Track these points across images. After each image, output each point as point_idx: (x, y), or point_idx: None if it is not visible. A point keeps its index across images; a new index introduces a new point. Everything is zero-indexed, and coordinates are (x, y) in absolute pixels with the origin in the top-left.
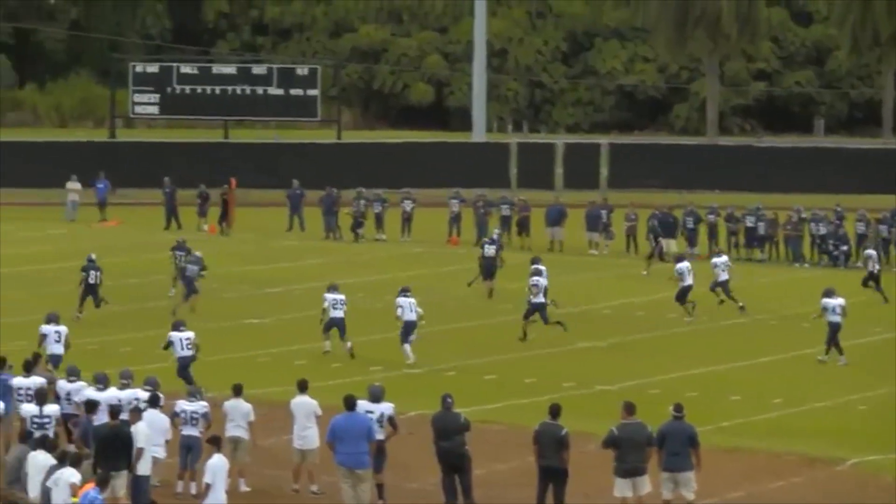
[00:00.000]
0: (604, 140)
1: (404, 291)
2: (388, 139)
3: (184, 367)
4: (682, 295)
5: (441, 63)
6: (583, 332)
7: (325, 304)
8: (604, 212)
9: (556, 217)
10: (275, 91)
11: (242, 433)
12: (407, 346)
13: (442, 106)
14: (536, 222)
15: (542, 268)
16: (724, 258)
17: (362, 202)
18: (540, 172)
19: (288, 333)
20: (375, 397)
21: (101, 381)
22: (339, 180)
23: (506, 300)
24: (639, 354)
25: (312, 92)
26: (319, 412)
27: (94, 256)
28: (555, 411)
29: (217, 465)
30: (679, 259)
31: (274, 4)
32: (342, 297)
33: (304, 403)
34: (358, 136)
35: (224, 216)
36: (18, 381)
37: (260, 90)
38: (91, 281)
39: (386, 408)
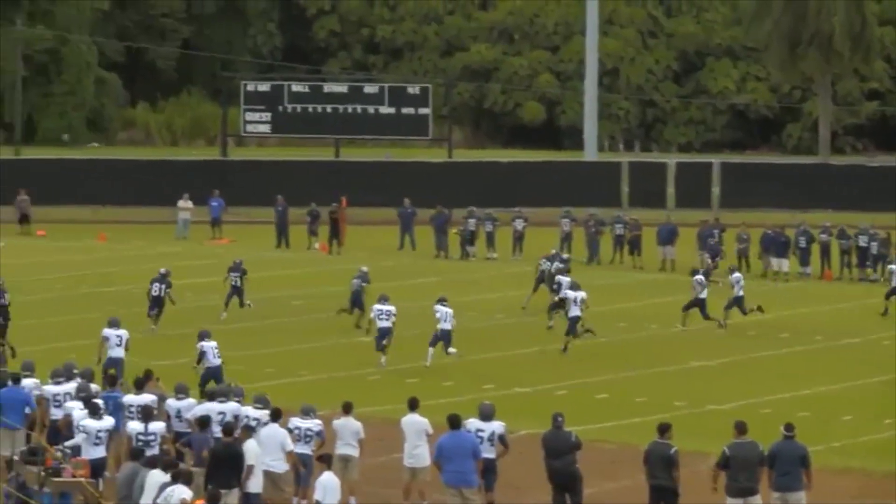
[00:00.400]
0: (715, 159)
1: (442, 300)
2: (499, 158)
3: (214, 376)
4: (690, 305)
5: (552, 82)
6: (694, 351)
7: (372, 315)
8: (716, 231)
9: (667, 236)
10: (386, 110)
11: (352, 451)
12: (431, 350)
13: (553, 125)
14: (648, 241)
15: (576, 283)
16: (739, 275)
17: (473, 221)
18: (651, 191)
19: (399, 351)
20: (486, 416)
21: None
22: (450, 199)
23: (621, 319)
24: (750, 374)
25: (424, 111)
26: (430, 430)
27: (165, 271)
28: (664, 430)
29: (328, 483)
30: (695, 272)
31: (386, 23)
32: (392, 308)
33: (414, 422)
34: (469, 154)
35: (335, 235)
36: (129, 398)
37: (371, 109)
38: (154, 293)
39: (497, 426)
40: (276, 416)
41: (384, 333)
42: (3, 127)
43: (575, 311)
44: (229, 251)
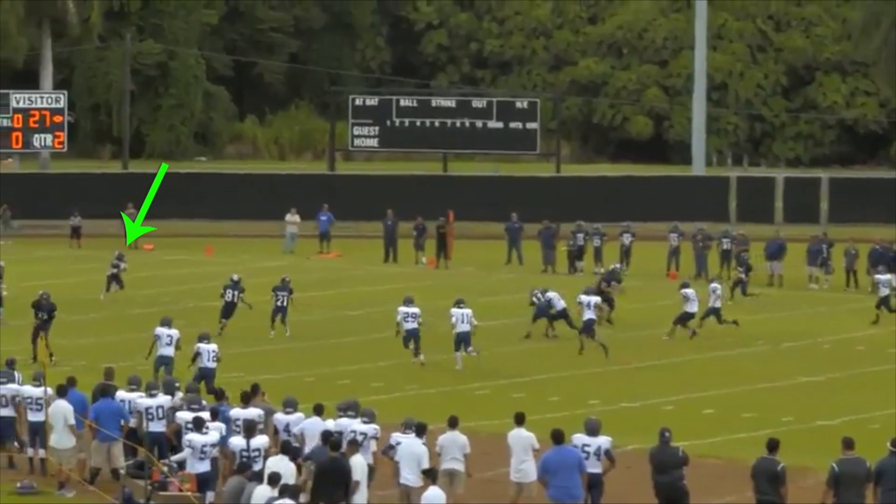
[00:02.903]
0: (824, 174)
1: (459, 303)
2: (607, 173)
3: (206, 377)
4: (683, 319)
5: (661, 96)
6: (803, 366)
7: (398, 318)
8: (824, 246)
9: (775, 251)
10: (494, 124)
11: (458, 466)
12: (458, 355)
13: (661, 139)
14: (756, 256)
15: (590, 289)
16: (716, 285)
17: (581, 235)
18: (759, 206)
19: (506, 366)
20: (593, 431)
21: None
22: (558, 214)
23: (728, 334)
24: (859, 389)
25: (532, 125)
26: (537, 445)
27: (237, 277)
28: (772, 446)
29: (433, 498)
30: (684, 285)
31: (494, 38)
32: (416, 310)
33: (521, 436)
34: (577, 169)
35: (442, 249)
36: (236, 412)
37: (479, 123)
38: (228, 299)
39: (603, 441)
40: (419, 431)
41: (411, 335)
42: (112, 141)
43: (589, 314)
44: (336, 266)
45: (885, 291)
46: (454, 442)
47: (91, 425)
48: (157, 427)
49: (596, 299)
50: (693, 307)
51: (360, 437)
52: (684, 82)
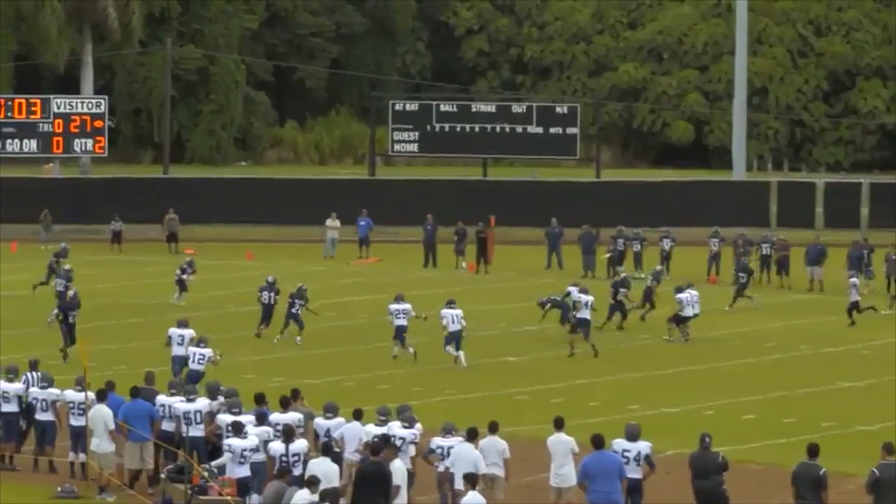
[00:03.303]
0: (865, 179)
1: (450, 303)
2: (647, 178)
3: (193, 380)
4: (680, 319)
5: (701, 101)
6: (843, 371)
7: (390, 315)
8: (865, 251)
9: (815, 256)
10: (534, 129)
11: (498, 471)
12: (460, 353)
13: (702, 144)
14: (796, 261)
15: (586, 289)
16: (693, 293)
17: (621, 241)
18: (800, 211)
19: (545, 371)
20: (632, 436)
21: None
22: (598, 219)
23: (768, 339)
24: None
25: (572, 130)
26: (577, 450)
27: (272, 279)
28: (813, 451)
29: (473, 503)
30: (679, 290)
31: (534, 43)
32: (407, 306)
33: (561, 441)
34: (617, 174)
35: (482, 254)
36: (275, 416)
37: (519, 128)
38: (265, 301)
39: (643, 446)
40: (471, 436)
41: (401, 331)
42: (152, 146)
43: (585, 314)
44: (376, 270)
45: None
46: (494, 447)
47: (122, 427)
48: (196, 431)
49: (591, 298)
50: (689, 311)
51: (399, 442)
52: (725, 87)
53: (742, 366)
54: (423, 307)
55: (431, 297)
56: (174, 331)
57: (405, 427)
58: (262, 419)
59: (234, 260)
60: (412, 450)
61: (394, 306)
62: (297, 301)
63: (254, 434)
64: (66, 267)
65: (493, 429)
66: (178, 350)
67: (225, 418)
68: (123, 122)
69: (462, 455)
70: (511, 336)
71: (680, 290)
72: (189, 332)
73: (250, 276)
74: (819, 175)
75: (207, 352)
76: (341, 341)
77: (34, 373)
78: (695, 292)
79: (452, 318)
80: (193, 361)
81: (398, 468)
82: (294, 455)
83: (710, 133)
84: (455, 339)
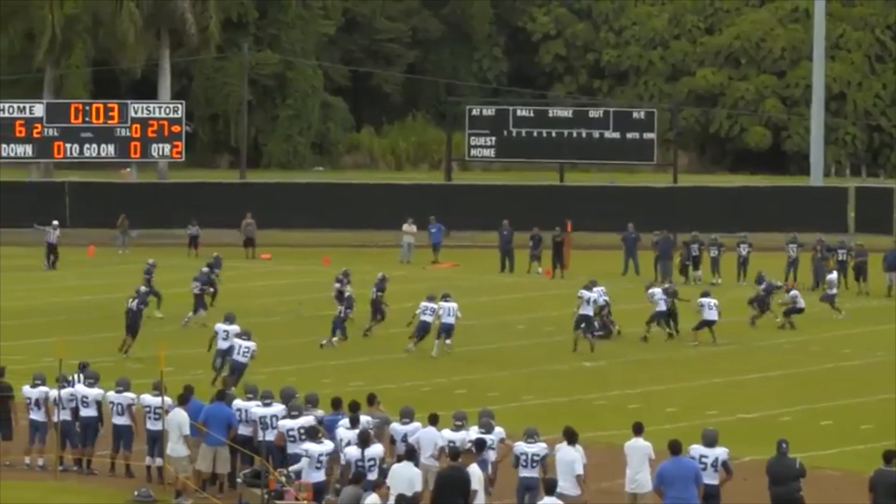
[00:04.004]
0: None
1: (445, 297)
2: (724, 183)
3: (236, 370)
4: (701, 325)
5: (779, 107)
6: None
7: (418, 311)
8: None
9: (894, 262)
10: (611, 134)
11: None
12: (437, 342)
13: (779, 150)
14: (874, 267)
15: (592, 286)
16: (659, 290)
17: (697, 246)
18: (878, 217)
19: (622, 376)
20: (710, 442)
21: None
22: (675, 224)
23: (845, 345)
24: None
25: (649, 135)
26: (653, 455)
27: (382, 276)
28: (889, 457)
29: None
30: (704, 294)
31: (611, 48)
32: (434, 305)
33: (639, 446)
34: (694, 179)
35: (558, 259)
36: (345, 422)
37: (596, 133)
38: (372, 297)
39: (720, 452)
40: (571, 439)
41: (424, 327)
42: (229, 151)
43: (587, 310)
44: (453, 275)
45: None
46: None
47: (200, 428)
48: (272, 436)
49: (593, 295)
50: (712, 314)
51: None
52: (802, 92)
53: (820, 372)
54: (500, 312)
55: (508, 302)
56: (220, 326)
57: (483, 432)
58: (354, 422)
59: (311, 265)
60: (491, 455)
61: (425, 304)
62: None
63: (347, 437)
64: (205, 270)
65: (570, 438)
66: (222, 344)
67: (286, 423)
68: (200, 126)
69: (562, 457)
70: (587, 341)
71: (705, 294)
72: (234, 328)
73: (327, 282)
74: None
75: (252, 345)
76: (419, 347)
77: (81, 374)
78: (796, 292)
79: (448, 310)
80: (238, 353)
81: (475, 473)
82: (370, 460)
83: (788, 138)
84: (447, 330)
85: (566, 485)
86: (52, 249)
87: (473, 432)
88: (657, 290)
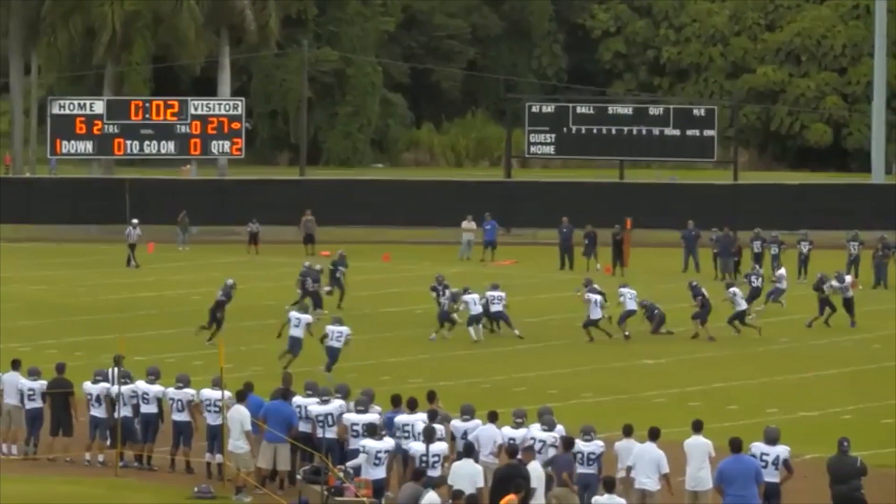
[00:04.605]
0: None
1: (467, 290)
2: (785, 180)
3: (331, 356)
4: (736, 317)
5: (840, 104)
6: None
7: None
8: None
9: None
10: (671, 132)
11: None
12: (472, 328)
13: (840, 147)
14: None
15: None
16: (735, 290)
17: (758, 243)
18: None
19: (684, 373)
20: (772, 439)
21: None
22: (735, 221)
23: None
24: None
25: (709, 133)
26: (713, 453)
27: (440, 277)
28: None
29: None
30: (729, 285)
31: (671, 45)
32: (477, 295)
33: (699, 444)
34: (755, 176)
35: (618, 256)
36: (402, 417)
37: (656, 131)
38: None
39: (781, 450)
40: (654, 436)
41: (499, 316)
42: (289, 148)
43: (596, 313)
44: (512, 272)
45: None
46: (628, 451)
47: (261, 425)
48: (330, 434)
49: (599, 297)
50: (743, 304)
51: (538, 445)
52: (863, 90)
53: (881, 370)
54: (560, 310)
55: (567, 300)
56: (294, 314)
57: (545, 430)
58: (433, 416)
59: (371, 262)
60: (551, 453)
61: (490, 293)
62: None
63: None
64: (318, 267)
65: (628, 432)
66: (294, 332)
67: (351, 417)
68: (260, 123)
69: (644, 454)
70: (648, 339)
71: (731, 285)
72: (306, 318)
73: (387, 279)
74: None
75: (345, 329)
76: (478, 344)
77: (117, 368)
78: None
79: (475, 300)
80: (332, 339)
81: (536, 471)
82: (434, 456)
83: (849, 136)
84: (478, 320)
85: (648, 481)
86: (132, 250)
87: (535, 429)
88: (626, 290)
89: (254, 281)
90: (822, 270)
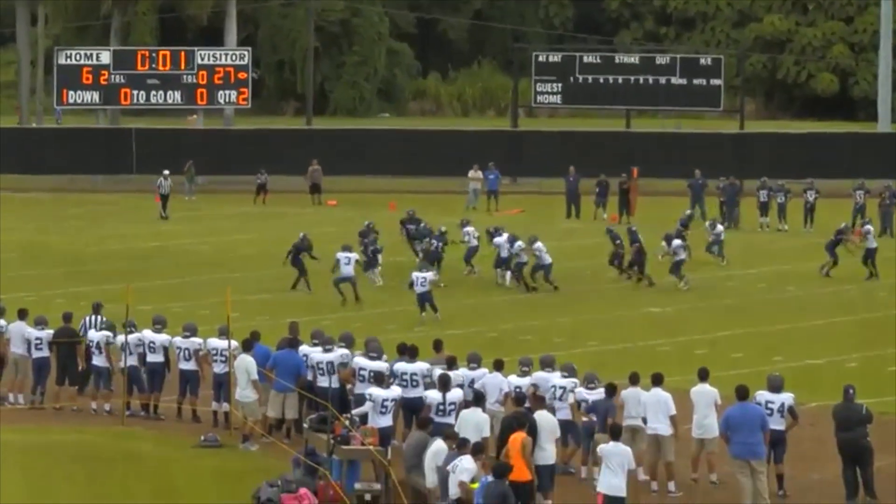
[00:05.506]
0: None
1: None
2: (791, 129)
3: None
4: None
5: (846, 53)
6: None
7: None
8: None
9: None
10: (678, 81)
11: (639, 423)
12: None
13: (846, 96)
14: None
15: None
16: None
17: (765, 192)
18: None
19: (689, 322)
20: (776, 387)
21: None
22: (742, 170)
23: None
24: None
25: (716, 82)
26: (720, 401)
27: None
28: None
29: (616, 453)
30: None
31: None
32: (519, 243)
33: (705, 392)
34: (761, 126)
35: (625, 205)
36: (400, 366)
37: (663, 80)
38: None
39: (786, 398)
40: (658, 380)
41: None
42: (295, 98)
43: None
44: (519, 221)
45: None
46: (635, 398)
47: (269, 375)
48: (326, 382)
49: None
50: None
51: (559, 392)
52: (870, 39)
53: (886, 318)
54: (567, 258)
55: (574, 249)
56: (341, 254)
57: (565, 376)
58: (452, 364)
59: (377, 211)
60: (571, 398)
61: (500, 239)
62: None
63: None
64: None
65: (635, 381)
66: (346, 270)
67: (361, 361)
68: (267, 73)
69: (654, 399)
70: (653, 287)
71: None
72: (354, 255)
73: (394, 228)
74: None
75: (429, 274)
76: (484, 292)
77: (96, 316)
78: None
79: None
80: (418, 285)
81: (545, 419)
82: (450, 403)
83: (856, 85)
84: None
85: (660, 425)
86: (165, 200)
87: (555, 377)
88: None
89: (261, 231)
90: (829, 220)
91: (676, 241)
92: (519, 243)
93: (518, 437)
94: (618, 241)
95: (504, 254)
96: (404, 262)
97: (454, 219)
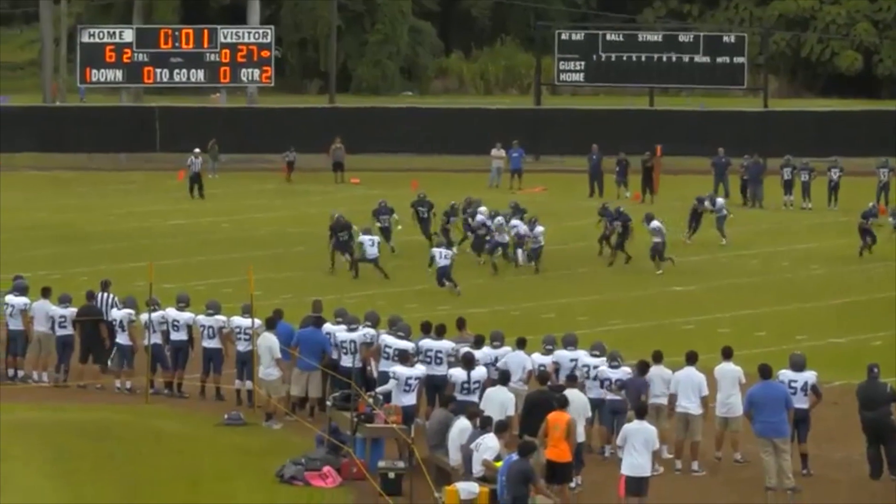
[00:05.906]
0: None
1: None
2: (815, 108)
3: (442, 273)
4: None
5: (871, 30)
6: None
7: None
8: None
9: None
10: (701, 59)
11: (664, 401)
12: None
13: (870, 74)
14: None
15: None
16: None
17: (789, 170)
18: None
19: (712, 301)
20: (798, 366)
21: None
22: (765, 148)
23: None
24: None
25: (739, 60)
26: (744, 379)
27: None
28: None
29: (641, 431)
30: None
31: None
32: (500, 219)
33: (729, 370)
34: (784, 104)
35: (648, 183)
36: (426, 343)
37: (686, 58)
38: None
39: (809, 376)
40: (692, 360)
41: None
42: (319, 76)
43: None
44: (542, 199)
45: None
46: (659, 376)
47: (293, 353)
48: (349, 362)
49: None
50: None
51: (592, 371)
52: (894, 16)
53: None
54: (589, 237)
55: (596, 227)
56: (364, 237)
57: (595, 355)
58: (479, 342)
59: (400, 189)
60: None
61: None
62: (382, 217)
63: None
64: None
65: (658, 358)
66: (371, 252)
67: (387, 339)
68: (290, 51)
69: (686, 379)
70: (676, 266)
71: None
72: (376, 237)
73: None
74: None
75: (451, 252)
76: (506, 271)
77: (104, 293)
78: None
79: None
80: (441, 258)
81: (577, 398)
82: (475, 382)
83: (880, 62)
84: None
85: (691, 405)
86: (196, 179)
87: (583, 355)
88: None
89: (285, 209)
90: (854, 198)
91: (655, 223)
92: (499, 219)
93: (563, 419)
94: (615, 222)
95: (522, 231)
96: (425, 242)
97: (479, 197)
